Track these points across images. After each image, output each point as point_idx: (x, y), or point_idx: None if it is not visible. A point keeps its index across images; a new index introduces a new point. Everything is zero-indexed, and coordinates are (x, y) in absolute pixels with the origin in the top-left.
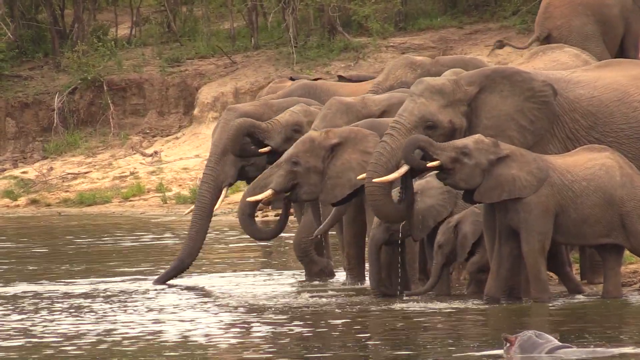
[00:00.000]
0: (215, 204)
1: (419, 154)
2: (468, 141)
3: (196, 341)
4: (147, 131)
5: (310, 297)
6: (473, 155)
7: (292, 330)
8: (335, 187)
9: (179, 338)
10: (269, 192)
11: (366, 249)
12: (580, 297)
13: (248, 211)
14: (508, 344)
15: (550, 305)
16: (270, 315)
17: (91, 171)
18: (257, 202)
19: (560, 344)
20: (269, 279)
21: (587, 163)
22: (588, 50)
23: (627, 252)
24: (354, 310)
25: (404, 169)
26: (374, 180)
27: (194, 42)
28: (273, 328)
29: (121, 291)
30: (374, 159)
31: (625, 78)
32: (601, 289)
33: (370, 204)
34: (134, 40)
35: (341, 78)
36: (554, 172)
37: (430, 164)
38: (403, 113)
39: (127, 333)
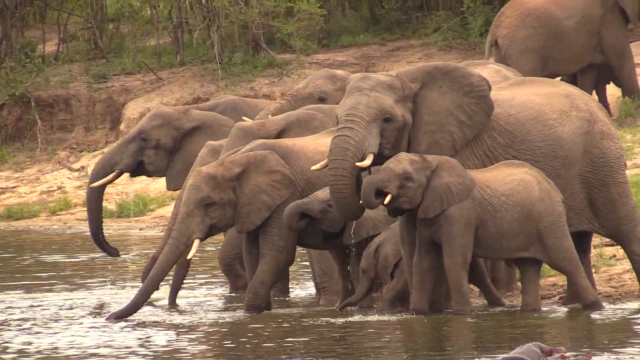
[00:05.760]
0: None
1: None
2: (405, 166)
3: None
4: (74, 146)
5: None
6: (415, 178)
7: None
8: (250, 214)
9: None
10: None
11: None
12: (500, 310)
13: None
14: None
15: (470, 318)
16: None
17: (19, 186)
18: None
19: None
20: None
21: (506, 178)
22: (522, 63)
23: (545, 266)
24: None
25: (370, 159)
26: (357, 164)
27: (120, 58)
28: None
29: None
30: (339, 154)
31: (539, 97)
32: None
33: (335, 201)
34: (61, 56)
35: None
36: (475, 186)
37: (386, 201)
38: (358, 106)
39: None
